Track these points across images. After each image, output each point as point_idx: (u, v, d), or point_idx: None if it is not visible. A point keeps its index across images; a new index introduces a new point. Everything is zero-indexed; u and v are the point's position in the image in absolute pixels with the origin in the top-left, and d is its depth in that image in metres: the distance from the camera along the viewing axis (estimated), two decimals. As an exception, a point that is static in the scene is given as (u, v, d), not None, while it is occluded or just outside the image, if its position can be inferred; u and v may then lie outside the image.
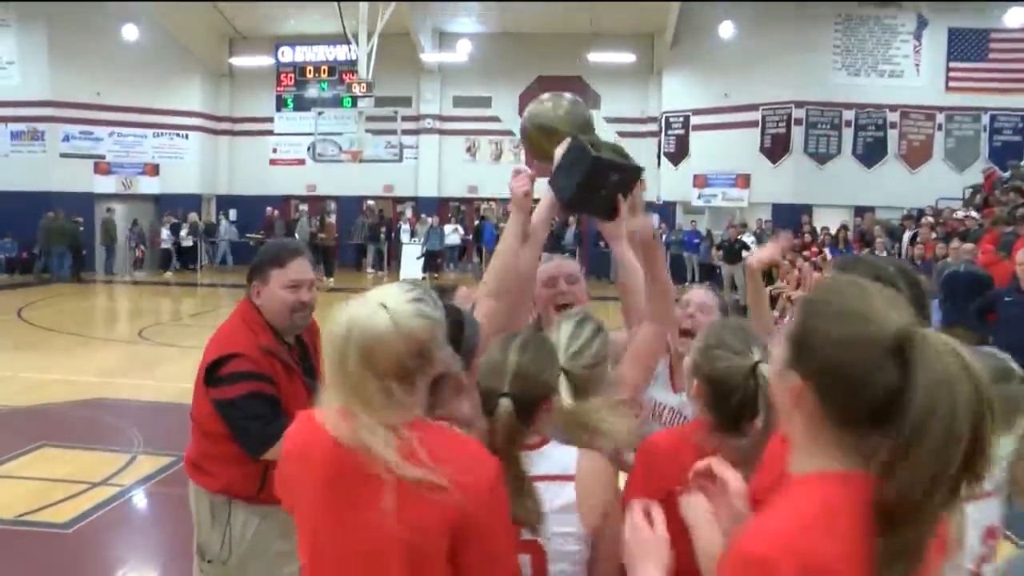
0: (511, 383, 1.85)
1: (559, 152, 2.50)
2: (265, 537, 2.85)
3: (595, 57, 21.68)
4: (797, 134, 19.66)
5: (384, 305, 1.60)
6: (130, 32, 21.83)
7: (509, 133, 23.74)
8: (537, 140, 2.68)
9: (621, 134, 23.05)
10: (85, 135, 22.19)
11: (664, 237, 21.37)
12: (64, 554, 5.04)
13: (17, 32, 21.58)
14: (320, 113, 19.94)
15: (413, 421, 1.61)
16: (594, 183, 2.44)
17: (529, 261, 2.52)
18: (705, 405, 1.86)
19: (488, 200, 24.74)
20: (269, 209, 23.75)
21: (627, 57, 21.79)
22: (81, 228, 21.10)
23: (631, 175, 2.50)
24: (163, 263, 22.67)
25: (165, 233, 22.62)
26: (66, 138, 21.93)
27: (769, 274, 17.72)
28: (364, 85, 18.73)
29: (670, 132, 22.06)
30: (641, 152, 22.67)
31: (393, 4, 18.51)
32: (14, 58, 21.67)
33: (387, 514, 1.54)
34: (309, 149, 21.66)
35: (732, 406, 1.81)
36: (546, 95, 2.75)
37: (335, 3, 18.14)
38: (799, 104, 19.59)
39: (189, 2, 20.88)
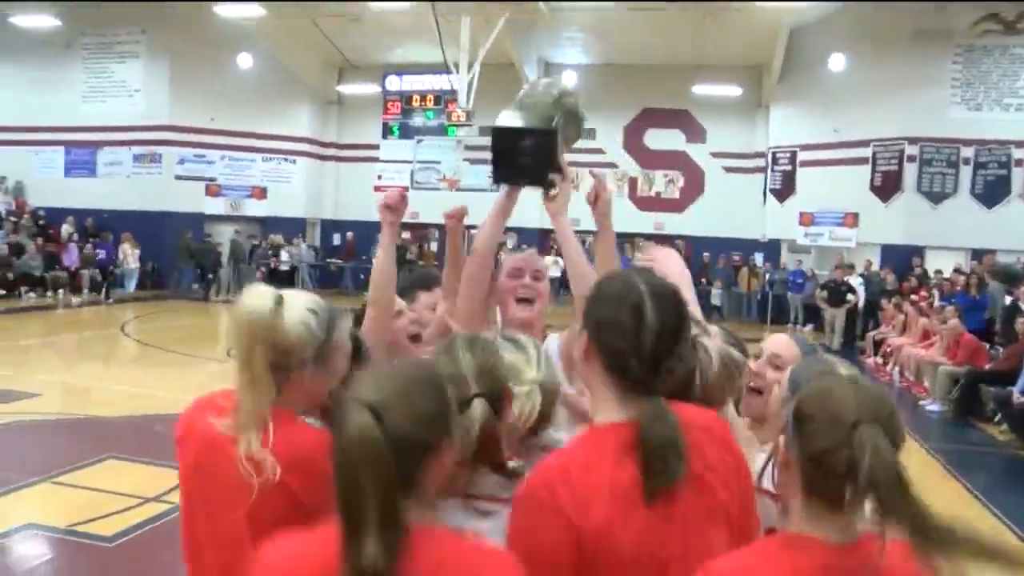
0: (478, 383, 1.67)
1: None
2: None
3: (701, 90, 21.27)
4: (910, 172, 18.74)
5: (280, 302, 1.80)
6: (244, 60, 22.66)
7: (612, 165, 23.53)
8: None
9: (727, 169, 22.66)
10: (198, 158, 23.08)
11: (768, 276, 20.75)
12: (100, 567, 5.04)
13: (145, 63, 22.79)
14: (419, 141, 20.15)
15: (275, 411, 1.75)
16: (508, 152, 2.58)
17: (488, 238, 2.68)
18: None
19: (593, 234, 24.51)
20: (349, 235, 24.18)
21: (733, 90, 21.31)
22: (218, 249, 22.21)
23: (544, 137, 2.60)
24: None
25: (285, 255, 23.17)
26: (181, 161, 22.86)
27: (874, 317, 16.96)
28: (463, 114, 18.83)
29: (776, 168, 21.42)
30: (747, 188, 22.17)
31: (494, 34, 18.57)
32: (140, 86, 22.90)
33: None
34: (413, 175, 22.00)
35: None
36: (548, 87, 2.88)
37: (437, 32, 18.32)
38: (912, 140, 18.69)
39: (301, 27, 21.49)
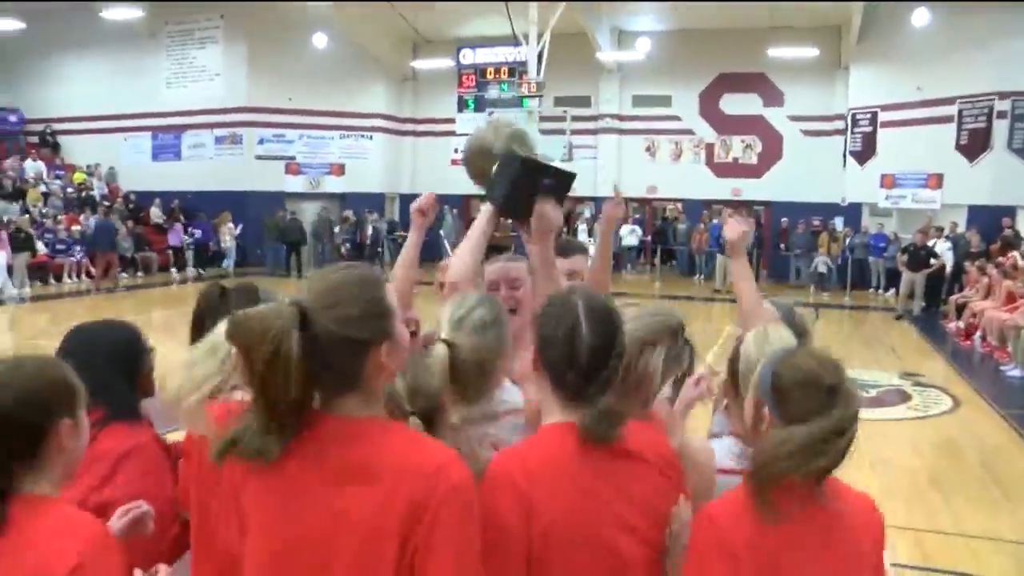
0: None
1: (495, 168, 2.64)
2: None
3: (777, 52, 20.75)
4: (1000, 128, 17.95)
5: None
6: (319, 40, 23.04)
7: (689, 132, 23.27)
8: (475, 160, 2.80)
9: (806, 132, 22.12)
10: (278, 138, 23.63)
11: (848, 241, 20.25)
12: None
13: (223, 47, 23.47)
14: (491, 113, 20.19)
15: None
16: (526, 184, 2.53)
17: (465, 268, 2.56)
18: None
19: (673, 201, 24.34)
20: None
21: (810, 51, 20.70)
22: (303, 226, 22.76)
23: (565, 179, 2.60)
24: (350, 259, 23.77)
25: (370, 229, 23.60)
26: (261, 141, 23.45)
27: (957, 280, 16.43)
28: (534, 85, 18.81)
29: (856, 130, 20.80)
30: (826, 151, 21.63)
31: (562, 5, 18.45)
32: (220, 70, 23.57)
33: None
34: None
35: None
36: (486, 126, 2.87)
37: (505, 4, 18.30)
38: (1003, 95, 17.87)
39: (374, 4, 21.69)
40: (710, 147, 23.08)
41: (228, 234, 22.14)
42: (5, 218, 18.84)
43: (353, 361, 1.53)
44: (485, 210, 2.67)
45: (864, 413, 6.15)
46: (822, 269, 20.26)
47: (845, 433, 1.67)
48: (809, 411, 1.69)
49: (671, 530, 1.80)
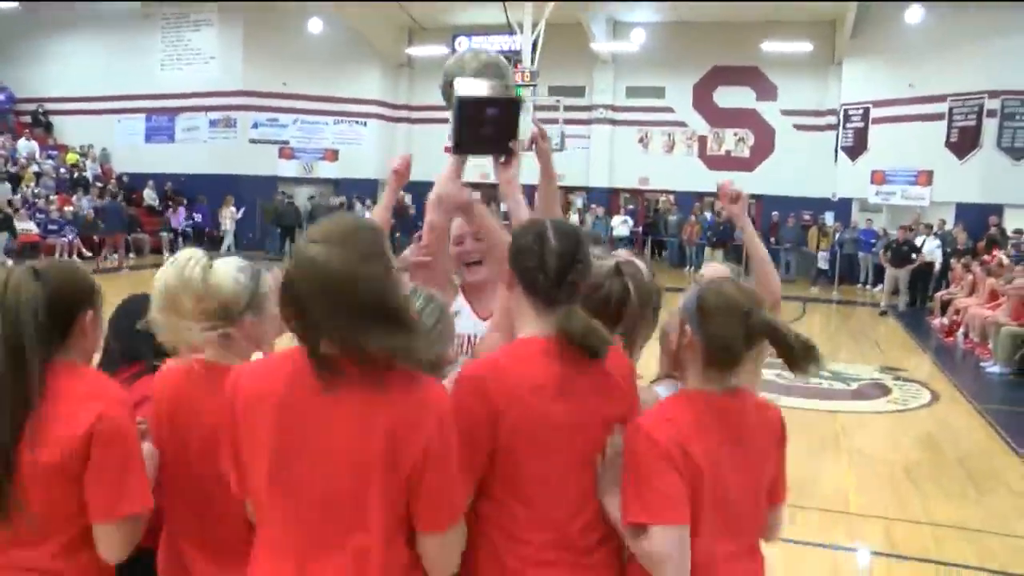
0: None
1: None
2: None
3: (770, 47, 20.83)
4: (989, 127, 18.07)
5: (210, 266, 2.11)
6: (315, 26, 23.04)
7: (682, 124, 23.32)
8: (447, 93, 2.86)
9: (798, 127, 22.21)
10: (272, 122, 23.65)
11: (838, 236, 20.37)
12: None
13: (218, 30, 23.46)
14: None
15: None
16: (472, 120, 2.58)
17: (439, 221, 2.73)
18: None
19: (665, 192, 24.38)
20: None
21: (804, 46, 20.80)
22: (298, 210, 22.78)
23: (508, 106, 2.63)
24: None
25: (366, 215, 23.64)
26: (255, 125, 23.47)
27: (944, 277, 16.56)
28: (527, 74, 18.84)
29: (848, 125, 20.91)
30: (818, 146, 21.72)
31: (557, -4, 18.48)
32: (215, 53, 23.55)
33: None
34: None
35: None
36: (469, 53, 2.90)
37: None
38: (993, 94, 17.99)
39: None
40: (703, 139, 23.17)
41: (229, 217, 22.16)
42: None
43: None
44: (451, 157, 2.71)
45: (844, 405, 6.40)
46: (823, 265, 20.33)
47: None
48: (727, 332, 1.94)
49: (606, 456, 1.98)
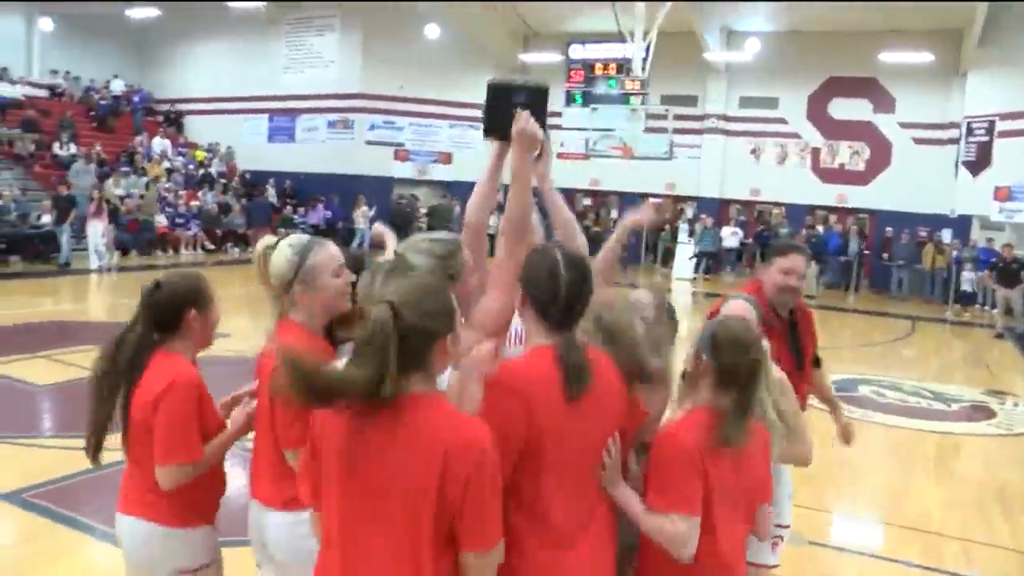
0: None
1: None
2: None
3: (889, 57, 20.26)
4: None
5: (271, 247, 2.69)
6: (432, 31, 23.65)
7: (795, 136, 22.91)
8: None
9: (917, 140, 21.53)
10: (388, 124, 24.38)
11: (955, 254, 19.63)
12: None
13: (339, 35, 24.43)
14: (594, 109, 20.37)
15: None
16: (500, 106, 2.67)
17: (474, 208, 2.82)
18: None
19: (776, 205, 23.93)
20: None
21: (925, 56, 20.14)
22: (418, 212, 23.28)
23: (536, 93, 2.68)
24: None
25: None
26: (371, 127, 24.25)
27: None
28: (637, 83, 18.88)
29: (971, 139, 20.12)
30: (937, 160, 21.00)
31: (669, 4, 18.45)
32: (335, 57, 24.53)
33: None
34: (588, 143, 22.31)
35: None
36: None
37: (611, 2, 18.41)
38: None
39: (487, 2, 22.14)
40: (816, 152, 22.70)
41: (362, 216, 22.87)
42: (135, 192, 20.12)
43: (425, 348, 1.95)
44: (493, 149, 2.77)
45: (941, 426, 6.34)
46: (967, 287, 19.24)
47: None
48: (734, 359, 2.40)
49: (610, 454, 2.28)
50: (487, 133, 2.75)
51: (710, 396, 2.43)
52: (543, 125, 2.63)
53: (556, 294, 2.19)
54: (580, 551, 2.18)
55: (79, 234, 17.39)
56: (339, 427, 1.95)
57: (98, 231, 16.93)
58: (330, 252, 2.69)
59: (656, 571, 2.39)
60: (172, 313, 2.69)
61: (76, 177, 19.32)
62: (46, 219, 17.40)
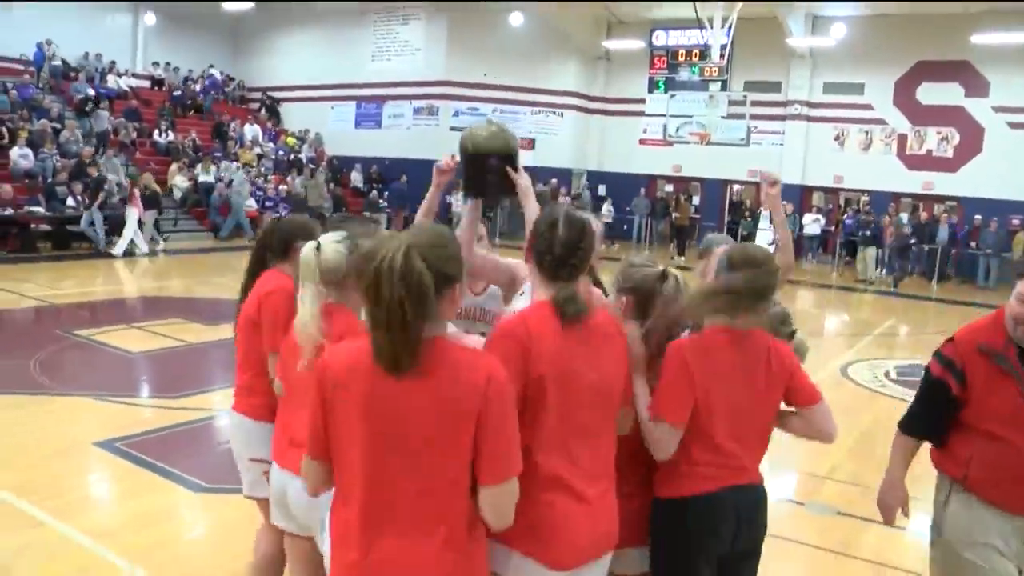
0: None
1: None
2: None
3: (983, 39, 19.69)
4: None
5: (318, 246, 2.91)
6: (516, 19, 23.98)
7: (881, 122, 22.50)
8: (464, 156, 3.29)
9: (1012, 125, 20.87)
10: (472, 111, 24.73)
11: None
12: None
13: (425, 24, 24.99)
14: (672, 96, 20.40)
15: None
16: (478, 170, 3.13)
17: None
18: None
19: (860, 192, 23.50)
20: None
21: (1022, 37, 19.45)
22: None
23: (506, 159, 3.11)
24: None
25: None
26: (455, 114, 24.66)
27: None
28: (715, 69, 18.86)
29: (1070, 123, 19.46)
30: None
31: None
32: (421, 46, 25.10)
33: None
34: (666, 129, 22.36)
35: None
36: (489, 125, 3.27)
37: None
38: None
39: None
40: (902, 138, 22.25)
41: (458, 201, 23.33)
42: (227, 176, 21.00)
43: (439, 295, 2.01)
44: (469, 204, 3.33)
45: None
46: None
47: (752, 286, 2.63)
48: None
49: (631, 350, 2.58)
50: (468, 193, 3.25)
51: (723, 317, 2.66)
52: (511, 185, 3.11)
53: (552, 243, 2.41)
54: (589, 498, 2.34)
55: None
56: (360, 378, 2.00)
57: (133, 217, 17.08)
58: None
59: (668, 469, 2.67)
60: (283, 243, 3.52)
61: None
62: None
